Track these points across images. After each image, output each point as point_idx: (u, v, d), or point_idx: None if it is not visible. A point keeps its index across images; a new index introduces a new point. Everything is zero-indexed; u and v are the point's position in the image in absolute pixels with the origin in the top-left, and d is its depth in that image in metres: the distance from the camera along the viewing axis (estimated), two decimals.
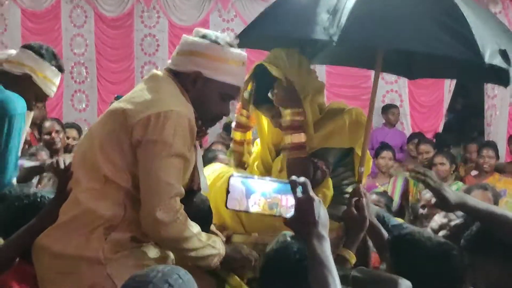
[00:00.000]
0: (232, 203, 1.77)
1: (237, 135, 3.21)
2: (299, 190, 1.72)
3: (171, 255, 2.37)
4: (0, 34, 9.63)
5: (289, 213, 1.74)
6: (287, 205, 1.74)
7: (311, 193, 1.72)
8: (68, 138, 6.19)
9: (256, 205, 1.76)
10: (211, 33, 2.46)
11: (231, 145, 3.29)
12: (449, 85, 8.98)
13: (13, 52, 3.37)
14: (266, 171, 3.09)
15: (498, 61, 2.63)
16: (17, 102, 3.10)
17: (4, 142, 3.04)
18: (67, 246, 2.20)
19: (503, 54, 2.65)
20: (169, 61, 2.48)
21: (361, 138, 2.91)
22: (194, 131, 2.28)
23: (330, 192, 2.94)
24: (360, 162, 2.86)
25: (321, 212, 1.73)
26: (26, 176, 3.47)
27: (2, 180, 3.06)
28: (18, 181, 3.23)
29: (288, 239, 2.09)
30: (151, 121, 2.18)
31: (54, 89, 3.34)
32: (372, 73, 8.10)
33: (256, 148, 3.24)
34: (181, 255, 2.32)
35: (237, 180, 1.78)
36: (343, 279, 2.28)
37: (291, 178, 1.73)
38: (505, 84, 2.97)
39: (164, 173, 2.17)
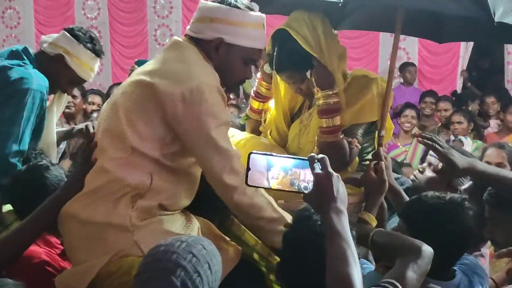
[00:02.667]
0: (253, 180, 1.81)
1: (254, 104, 3.17)
2: (317, 166, 1.75)
3: (197, 223, 2.37)
4: (11, 0, 9.59)
5: (308, 188, 1.76)
6: (307, 181, 1.77)
7: (329, 168, 1.75)
8: (93, 103, 6.20)
9: (276, 181, 1.79)
10: None
11: (247, 111, 3.26)
12: (465, 45, 8.83)
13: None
14: (281, 139, 3.07)
15: (510, 20, 2.65)
16: (36, 79, 3.11)
17: (18, 114, 3.08)
18: (95, 213, 2.21)
19: None
20: (188, 27, 2.45)
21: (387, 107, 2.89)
22: (225, 97, 2.31)
23: (356, 161, 2.92)
24: (380, 126, 2.84)
25: (340, 187, 1.75)
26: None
27: (17, 150, 3.09)
28: None
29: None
30: (186, 98, 2.19)
31: (91, 73, 3.34)
32: (380, 34, 8.12)
33: (269, 115, 3.19)
34: (255, 226, 2.37)
35: (257, 157, 1.81)
36: (363, 239, 2.31)
37: (310, 155, 1.76)
38: None
39: (219, 143, 2.24)
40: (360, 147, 2.88)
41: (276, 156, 1.82)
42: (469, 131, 6.69)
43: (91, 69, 3.33)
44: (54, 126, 3.45)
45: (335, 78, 2.82)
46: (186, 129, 2.23)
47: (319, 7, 2.87)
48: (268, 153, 1.86)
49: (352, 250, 1.68)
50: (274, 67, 2.87)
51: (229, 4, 2.37)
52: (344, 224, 1.71)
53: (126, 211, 2.20)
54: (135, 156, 2.23)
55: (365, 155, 2.97)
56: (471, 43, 8.75)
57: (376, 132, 2.93)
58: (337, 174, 1.76)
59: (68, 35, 3.29)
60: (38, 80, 3.11)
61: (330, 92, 2.79)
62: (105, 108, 2.44)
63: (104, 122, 2.36)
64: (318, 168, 1.75)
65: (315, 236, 1.87)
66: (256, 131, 3.16)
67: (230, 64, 2.39)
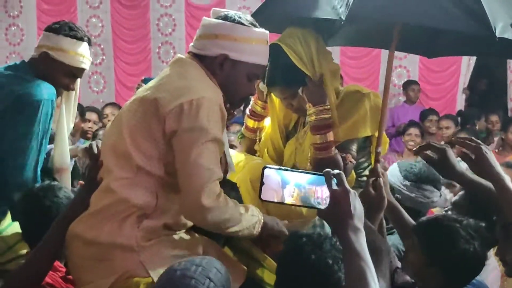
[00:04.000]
0: (267, 195, 1.80)
1: (250, 122, 3.17)
2: (333, 182, 1.72)
3: (202, 243, 2.36)
4: (15, 17, 9.64)
5: (324, 205, 1.75)
6: (322, 196, 1.76)
7: (346, 185, 1.73)
8: (89, 121, 6.22)
9: (290, 197, 1.77)
10: (232, 13, 2.43)
11: (243, 130, 3.25)
12: (467, 63, 8.85)
13: None
14: (278, 156, 3.07)
15: (510, 34, 2.64)
16: (44, 89, 3.07)
17: (34, 128, 3.04)
18: (100, 233, 2.20)
19: None
20: (191, 44, 2.45)
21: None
22: (225, 115, 2.27)
23: (352, 177, 2.92)
24: (377, 142, 2.82)
25: (357, 204, 1.73)
26: None
27: (22, 168, 3.06)
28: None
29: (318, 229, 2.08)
30: (184, 110, 2.17)
31: (82, 59, 3.23)
32: (381, 53, 8.14)
33: (264, 133, 3.19)
34: (225, 233, 2.31)
35: (272, 172, 1.80)
36: None
37: (325, 170, 1.73)
38: None
39: (203, 159, 2.16)
40: (354, 162, 2.88)
41: (291, 171, 1.81)
42: None
43: (79, 55, 3.22)
44: (64, 127, 3.39)
45: (327, 94, 2.83)
46: (177, 143, 2.20)
47: (315, 24, 2.89)
48: (283, 168, 1.85)
49: (371, 270, 1.65)
50: (266, 82, 2.87)
51: (233, 20, 2.38)
52: (362, 242, 1.69)
53: (132, 231, 2.19)
54: (140, 175, 2.22)
55: (361, 170, 2.97)
56: (473, 61, 8.77)
57: (371, 147, 2.93)
58: (354, 190, 1.74)
59: (46, 32, 3.24)
60: (45, 89, 3.08)
61: (322, 108, 2.80)
62: (109, 127, 2.44)
63: (108, 141, 2.35)
64: (334, 184, 1.72)
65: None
66: (251, 150, 3.15)
67: (235, 80, 2.38)
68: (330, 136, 2.81)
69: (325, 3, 2.70)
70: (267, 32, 2.46)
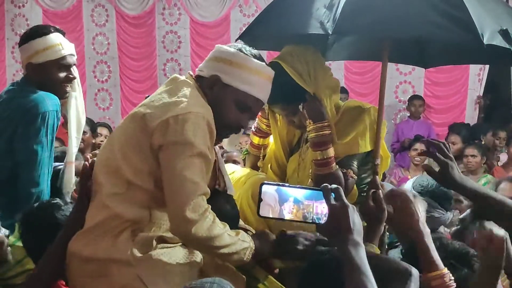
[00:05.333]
0: (265, 211, 1.80)
1: (255, 139, 3.19)
2: (332, 197, 1.72)
3: (200, 255, 2.35)
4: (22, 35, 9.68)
5: (322, 220, 1.74)
6: (320, 212, 1.75)
7: (345, 199, 1.72)
8: (100, 135, 6.30)
9: (289, 212, 1.78)
10: (242, 45, 2.46)
11: (247, 146, 3.27)
12: (475, 76, 8.83)
13: None
14: (281, 172, 3.07)
15: (498, 41, 2.66)
16: (48, 100, 3.10)
17: (43, 141, 3.08)
18: (96, 249, 2.21)
19: (504, 33, 2.69)
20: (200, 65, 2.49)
21: (383, 136, 2.90)
22: (213, 131, 2.26)
23: (355, 192, 2.91)
24: (375, 154, 2.85)
25: (355, 219, 1.72)
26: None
27: (36, 179, 3.09)
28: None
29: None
30: (170, 124, 2.17)
31: (58, 47, 3.21)
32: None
33: (268, 149, 3.20)
34: (212, 253, 2.29)
35: (270, 188, 1.80)
36: None
37: (323, 185, 1.73)
38: (508, 63, 2.97)
39: (188, 173, 2.15)
40: (356, 178, 2.87)
41: (289, 186, 1.81)
42: (482, 164, 6.65)
43: (55, 46, 3.21)
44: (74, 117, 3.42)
45: (327, 110, 2.84)
46: (163, 157, 2.19)
47: (308, 40, 2.91)
48: (281, 183, 1.86)
49: (373, 284, 1.64)
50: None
51: (235, 47, 2.42)
52: (362, 257, 1.67)
53: (127, 246, 2.19)
54: (132, 190, 2.23)
55: (363, 186, 2.95)
56: (484, 75, 8.72)
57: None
58: (352, 205, 1.73)
59: (20, 47, 3.29)
60: (50, 100, 3.10)
61: (321, 125, 2.81)
62: (103, 144, 2.47)
63: (102, 158, 2.37)
64: (333, 199, 1.72)
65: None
66: (256, 166, 3.16)
67: (222, 104, 2.36)
68: (331, 152, 2.81)
69: (313, 19, 2.73)
70: (270, 69, 2.46)
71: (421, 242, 2.15)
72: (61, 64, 3.22)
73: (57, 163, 3.36)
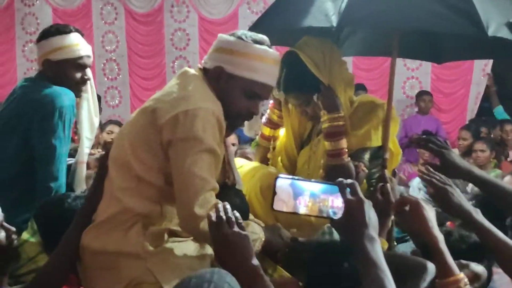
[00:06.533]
0: (279, 205, 1.75)
1: (266, 130, 3.19)
2: (347, 192, 1.69)
3: (210, 250, 2.33)
4: (32, 33, 9.74)
5: (339, 214, 1.71)
6: (336, 206, 1.72)
7: (360, 194, 1.70)
8: (111, 132, 6.30)
9: (304, 206, 1.74)
10: (242, 31, 2.43)
11: (257, 138, 3.28)
12: (479, 72, 8.83)
13: None
14: (291, 165, 3.08)
15: (504, 33, 2.65)
16: (64, 95, 3.14)
17: (60, 137, 3.12)
18: (107, 242, 2.22)
19: (511, 26, 2.69)
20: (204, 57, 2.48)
21: (394, 132, 2.91)
22: (223, 127, 2.24)
23: (364, 185, 2.93)
24: (383, 148, 2.87)
25: (371, 214, 1.70)
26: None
27: (55, 174, 3.13)
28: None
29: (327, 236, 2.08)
30: (180, 120, 2.15)
31: (77, 47, 3.26)
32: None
33: (278, 142, 3.21)
34: None
35: (284, 181, 1.76)
36: None
37: (338, 179, 1.71)
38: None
39: (197, 168, 2.14)
40: (366, 171, 2.89)
41: (303, 180, 1.77)
42: (491, 159, 6.64)
43: (73, 45, 3.25)
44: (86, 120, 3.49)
45: (341, 102, 2.85)
46: (172, 152, 2.18)
47: (318, 36, 2.92)
48: (296, 177, 1.82)
49: (389, 279, 1.61)
50: (281, 87, 2.88)
51: (235, 35, 2.39)
52: (378, 251, 1.65)
53: (138, 239, 2.20)
54: (142, 185, 2.23)
55: (373, 180, 2.96)
56: (488, 70, 8.72)
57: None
58: (368, 200, 1.71)
59: (37, 43, 3.32)
60: (65, 95, 3.14)
61: (336, 115, 2.83)
62: (115, 139, 2.48)
63: (113, 153, 2.37)
64: (348, 194, 1.69)
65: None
66: (265, 158, 3.17)
67: (230, 95, 2.33)
68: (343, 143, 2.83)
69: (319, 12, 2.76)
70: (274, 52, 2.41)
71: (436, 248, 2.11)
72: (78, 63, 3.25)
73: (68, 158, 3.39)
